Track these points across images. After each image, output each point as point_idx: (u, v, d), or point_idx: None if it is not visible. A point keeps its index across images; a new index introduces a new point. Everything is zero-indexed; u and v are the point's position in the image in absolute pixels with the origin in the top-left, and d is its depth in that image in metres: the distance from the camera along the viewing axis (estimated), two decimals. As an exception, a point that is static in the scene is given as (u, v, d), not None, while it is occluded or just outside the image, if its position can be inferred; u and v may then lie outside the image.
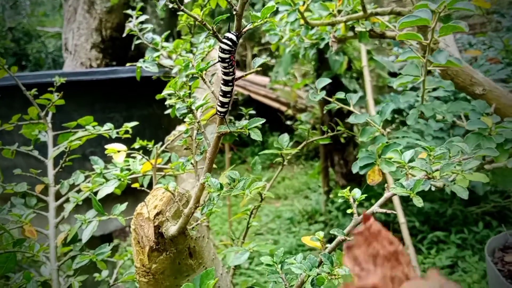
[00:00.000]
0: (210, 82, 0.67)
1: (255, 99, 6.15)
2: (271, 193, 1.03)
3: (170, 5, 0.57)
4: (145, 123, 2.12)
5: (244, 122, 0.66)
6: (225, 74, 0.57)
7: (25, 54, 6.43)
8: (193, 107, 0.74)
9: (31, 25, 6.73)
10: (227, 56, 0.57)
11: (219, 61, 0.56)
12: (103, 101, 2.13)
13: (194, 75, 1.05)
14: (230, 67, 0.57)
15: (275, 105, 6.08)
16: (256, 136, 0.65)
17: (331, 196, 3.85)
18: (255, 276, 3.15)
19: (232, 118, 0.84)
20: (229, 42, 0.57)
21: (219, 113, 0.62)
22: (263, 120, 0.65)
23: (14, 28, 6.51)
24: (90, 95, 2.15)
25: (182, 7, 0.57)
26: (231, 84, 0.58)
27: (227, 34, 0.58)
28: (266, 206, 4.26)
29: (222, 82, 0.58)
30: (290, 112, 5.81)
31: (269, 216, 4.10)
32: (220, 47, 0.57)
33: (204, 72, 0.68)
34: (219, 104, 0.60)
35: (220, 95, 0.60)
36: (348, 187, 0.80)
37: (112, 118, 2.05)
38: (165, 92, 1.38)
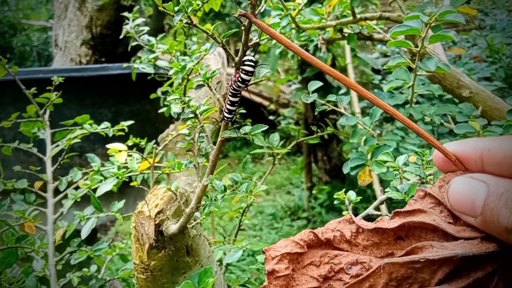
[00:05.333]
0: (215, 89, 0.69)
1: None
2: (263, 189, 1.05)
3: (184, 21, 0.60)
4: (133, 118, 2.15)
5: (247, 128, 0.69)
6: (234, 89, 0.60)
7: (10, 47, 6.37)
8: (197, 112, 0.76)
9: (16, 18, 6.68)
10: (248, 78, 0.60)
11: (238, 80, 0.59)
12: (93, 97, 2.15)
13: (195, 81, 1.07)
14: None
15: (258, 99, 6.09)
16: (260, 142, 0.68)
17: (314, 192, 3.84)
18: (237, 272, 3.14)
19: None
20: (252, 64, 0.59)
21: (226, 119, 0.64)
22: (266, 127, 0.68)
23: (-1, 21, 6.46)
24: (81, 90, 2.16)
25: (195, 23, 0.60)
26: (239, 95, 0.61)
27: (248, 57, 0.59)
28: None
29: (230, 94, 0.60)
30: (272, 107, 5.83)
31: (251, 212, 4.06)
32: (243, 70, 0.59)
33: (210, 80, 0.71)
34: (226, 111, 0.63)
35: (228, 104, 0.63)
36: (344, 189, 0.83)
37: (101, 113, 2.07)
38: (159, 91, 1.40)
